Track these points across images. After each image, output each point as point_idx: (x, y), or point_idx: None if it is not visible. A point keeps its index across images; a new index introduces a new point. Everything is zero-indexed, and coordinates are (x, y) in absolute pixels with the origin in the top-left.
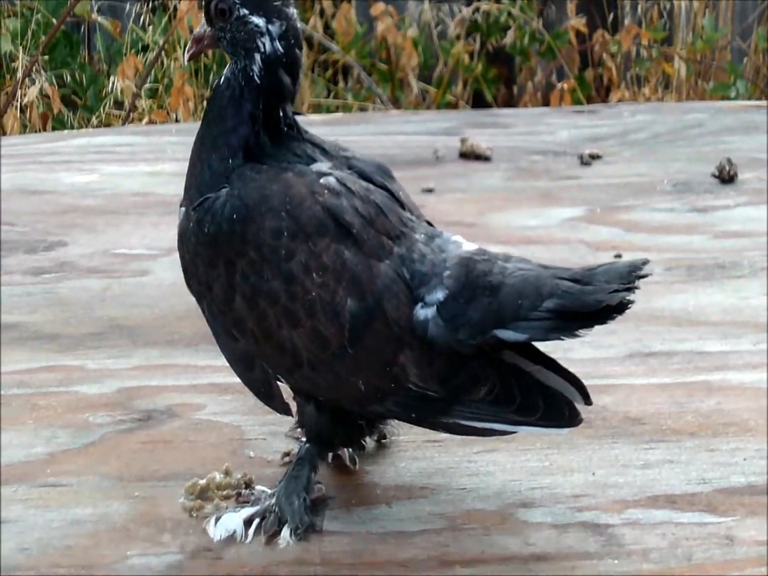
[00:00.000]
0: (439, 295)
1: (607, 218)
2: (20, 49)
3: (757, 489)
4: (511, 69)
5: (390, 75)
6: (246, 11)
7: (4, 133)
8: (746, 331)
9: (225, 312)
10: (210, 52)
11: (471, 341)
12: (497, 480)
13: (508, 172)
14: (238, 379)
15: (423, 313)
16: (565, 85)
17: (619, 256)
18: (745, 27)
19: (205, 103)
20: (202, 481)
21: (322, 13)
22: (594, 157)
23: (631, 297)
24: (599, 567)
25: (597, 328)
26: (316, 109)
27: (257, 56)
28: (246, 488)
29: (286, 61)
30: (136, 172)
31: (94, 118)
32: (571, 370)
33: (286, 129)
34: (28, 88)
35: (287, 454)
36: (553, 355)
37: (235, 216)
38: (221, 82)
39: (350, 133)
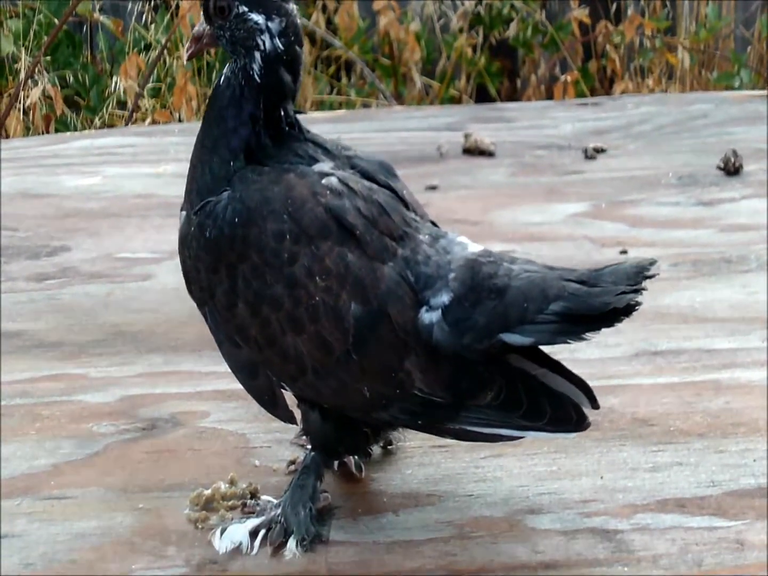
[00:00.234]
0: (444, 298)
1: (612, 213)
2: (22, 50)
3: (767, 491)
4: (514, 62)
5: (393, 70)
6: (245, 8)
7: (7, 136)
8: (754, 328)
9: (228, 318)
10: (212, 50)
11: (477, 346)
12: (505, 486)
13: (512, 168)
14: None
15: (428, 317)
16: (569, 77)
17: (624, 252)
18: (749, 15)
19: (208, 100)
20: (207, 492)
21: (324, 8)
22: (598, 150)
23: (638, 298)
24: (609, 574)
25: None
26: (319, 106)
27: (257, 54)
28: (251, 498)
29: (287, 58)
30: (139, 173)
31: (97, 118)
32: (578, 370)
33: (287, 129)
34: (31, 89)
35: (293, 462)
36: (558, 356)
37: (236, 219)
38: (221, 81)
39: (353, 130)
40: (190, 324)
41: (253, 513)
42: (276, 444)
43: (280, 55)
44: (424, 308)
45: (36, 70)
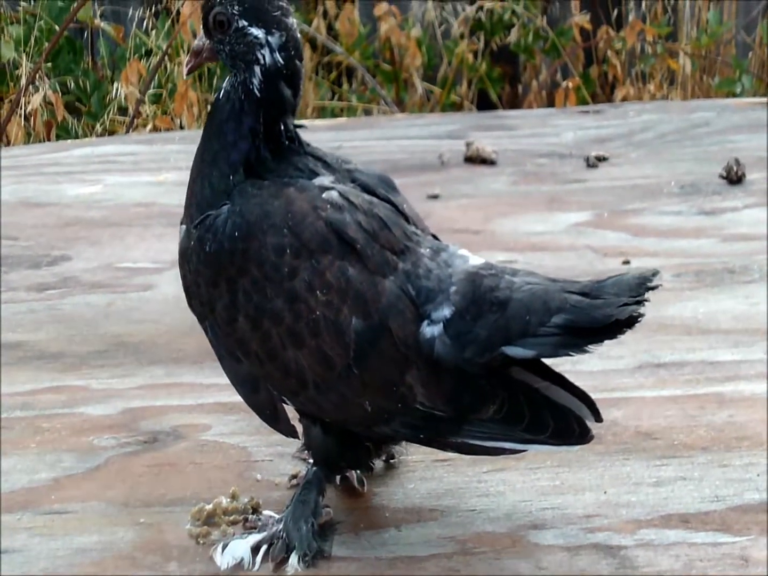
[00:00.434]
0: (446, 312)
1: (614, 222)
2: (23, 56)
3: None
4: (515, 67)
5: (394, 76)
6: (245, 22)
7: (9, 142)
8: (758, 339)
9: (228, 333)
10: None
11: (478, 359)
12: (507, 500)
13: (513, 176)
14: None
15: (429, 330)
16: (570, 83)
17: (627, 262)
18: (750, 21)
19: (209, 108)
20: (209, 506)
21: (325, 14)
22: (600, 159)
23: (641, 310)
24: None
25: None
26: (321, 112)
27: (257, 68)
28: (253, 513)
29: (287, 72)
30: (140, 182)
31: (98, 124)
32: (580, 382)
33: (287, 142)
34: (32, 95)
35: (294, 476)
36: (561, 368)
37: (236, 233)
38: (221, 95)
39: (354, 138)
40: (192, 335)
41: (255, 528)
42: (278, 458)
43: (280, 70)
44: (425, 322)
45: (37, 76)
